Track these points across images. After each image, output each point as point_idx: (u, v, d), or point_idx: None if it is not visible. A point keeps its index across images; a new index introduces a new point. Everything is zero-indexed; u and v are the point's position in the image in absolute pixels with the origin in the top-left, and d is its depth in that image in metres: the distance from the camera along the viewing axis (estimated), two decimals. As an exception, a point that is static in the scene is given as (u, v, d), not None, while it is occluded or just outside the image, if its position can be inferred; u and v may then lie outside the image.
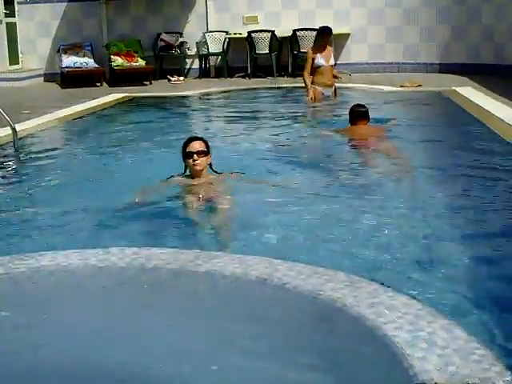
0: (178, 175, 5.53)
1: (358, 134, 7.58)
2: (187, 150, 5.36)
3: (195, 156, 5.31)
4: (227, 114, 10.86)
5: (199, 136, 5.70)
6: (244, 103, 11.81)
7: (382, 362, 2.63)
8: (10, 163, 7.29)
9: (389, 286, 3.08)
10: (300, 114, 10.14)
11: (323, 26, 11.30)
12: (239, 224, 4.93)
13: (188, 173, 5.49)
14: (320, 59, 10.55)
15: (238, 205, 5.24)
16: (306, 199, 5.38)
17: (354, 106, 7.88)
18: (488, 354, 2.47)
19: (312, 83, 10.59)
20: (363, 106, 7.77)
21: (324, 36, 10.88)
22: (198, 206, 5.25)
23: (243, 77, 15.28)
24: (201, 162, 5.33)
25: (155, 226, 4.88)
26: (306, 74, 10.68)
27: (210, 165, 5.49)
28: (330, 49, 10.90)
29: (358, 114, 7.63)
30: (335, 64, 11.33)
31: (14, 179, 6.69)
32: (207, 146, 5.43)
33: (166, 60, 15.72)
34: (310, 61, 10.63)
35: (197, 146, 5.35)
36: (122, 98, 12.36)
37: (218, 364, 2.78)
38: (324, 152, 7.47)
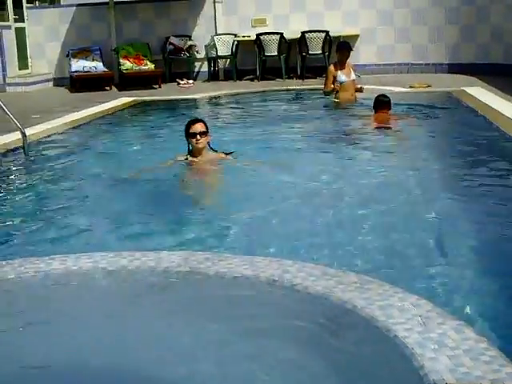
0: (183, 155, 6.42)
1: (381, 120, 8.65)
2: (191, 131, 6.31)
3: (198, 136, 6.28)
4: (241, 116, 10.87)
5: (200, 118, 6.69)
6: (258, 105, 11.86)
7: (392, 362, 2.62)
8: (21, 168, 7.31)
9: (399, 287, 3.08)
10: (320, 113, 10.30)
11: (342, 42, 11.29)
12: (233, 195, 5.70)
13: (191, 151, 6.38)
14: (341, 76, 10.52)
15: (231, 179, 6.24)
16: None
17: (379, 95, 9.06)
18: (499, 355, 2.46)
19: (335, 99, 10.58)
20: (386, 96, 8.96)
21: (344, 52, 10.79)
22: (199, 179, 6.29)
23: (252, 79, 15.29)
24: (202, 141, 6.30)
25: (163, 200, 5.67)
26: (326, 87, 10.65)
27: (209, 143, 6.41)
28: (349, 64, 10.80)
29: (382, 103, 8.78)
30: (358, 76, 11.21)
31: (24, 184, 6.71)
32: (206, 127, 6.39)
33: (175, 63, 15.74)
34: (330, 77, 10.57)
35: (198, 127, 6.32)
36: (132, 101, 12.37)
37: (229, 364, 2.78)
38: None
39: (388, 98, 8.93)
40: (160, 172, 6.36)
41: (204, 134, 6.32)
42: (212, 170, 6.43)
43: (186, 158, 6.38)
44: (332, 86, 10.57)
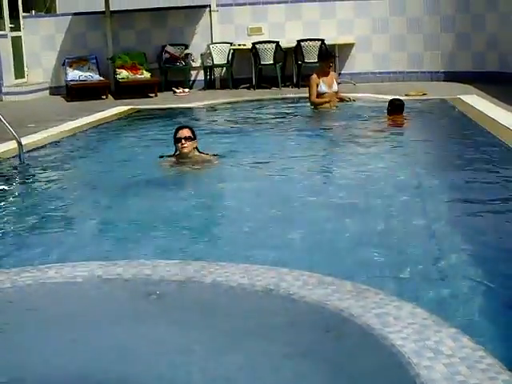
0: (169, 155, 6.79)
1: (395, 123, 8.90)
2: (177, 136, 6.62)
3: (183, 141, 6.57)
4: (237, 124, 10.88)
5: (186, 125, 7.06)
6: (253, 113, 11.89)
7: (388, 371, 2.62)
8: (16, 177, 7.30)
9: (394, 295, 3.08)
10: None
11: (324, 51, 11.23)
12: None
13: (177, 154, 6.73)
14: (322, 86, 10.42)
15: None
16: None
17: (393, 99, 9.29)
18: (495, 363, 2.45)
19: (315, 109, 10.52)
20: (400, 100, 9.22)
21: (324, 61, 10.78)
22: (186, 172, 6.60)
23: (248, 88, 15.30)
24: (188, 146, 6.59)
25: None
26: (313, 98, 10.54)
27: (197, 148, 6.72)
28: (332, 74, 10.75)
29: (397, 106, 9.05)
30: (339, 83, 11.10)
31: (20, 193, 6.71)
32: (193, 133, 6.71)
33: (171, 72, 15.75)
34: (314, 86, 10.46)
35: (184, 132, 6.64)
36: (128, 110, 12.37)
37: (225, 373, 2.77)
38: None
39: (402, 101, 9.16)
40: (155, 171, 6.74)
41: (189, 139, 6.60)
42: (198, 169, 6.65)
43: (174, 155, 6.70)
44: (317, 98, 10.45)
